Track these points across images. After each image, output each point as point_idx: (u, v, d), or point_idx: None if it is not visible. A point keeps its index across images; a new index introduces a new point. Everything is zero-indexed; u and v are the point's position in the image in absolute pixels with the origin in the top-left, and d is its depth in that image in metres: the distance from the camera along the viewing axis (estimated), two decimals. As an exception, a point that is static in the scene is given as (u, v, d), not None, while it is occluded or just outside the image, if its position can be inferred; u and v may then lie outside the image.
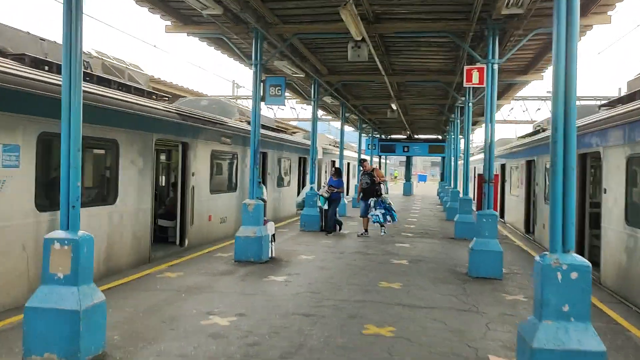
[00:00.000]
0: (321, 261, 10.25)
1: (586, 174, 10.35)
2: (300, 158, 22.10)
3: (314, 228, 15.03)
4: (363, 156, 23.20)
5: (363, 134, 36.69)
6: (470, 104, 14.49)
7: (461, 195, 16.67)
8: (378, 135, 36.39)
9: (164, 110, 10.52)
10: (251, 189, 10.16)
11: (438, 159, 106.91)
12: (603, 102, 13.32)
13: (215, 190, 13.27)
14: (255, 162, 10.17)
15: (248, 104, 39.78)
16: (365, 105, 21.83)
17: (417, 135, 38.09)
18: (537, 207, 14.85)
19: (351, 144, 47.19)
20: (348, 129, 38.73)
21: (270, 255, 10.26)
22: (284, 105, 9.95)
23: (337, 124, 31.58)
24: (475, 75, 9.47)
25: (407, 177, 40.26)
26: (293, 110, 40.74)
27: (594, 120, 9.50)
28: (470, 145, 45.11)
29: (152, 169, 10.03)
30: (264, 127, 18.23)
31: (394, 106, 18.26)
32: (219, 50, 12.66)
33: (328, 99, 17.62)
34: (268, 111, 41.08)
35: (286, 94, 17.93)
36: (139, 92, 10.32)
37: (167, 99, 11.58)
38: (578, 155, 11.07)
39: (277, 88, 10.06)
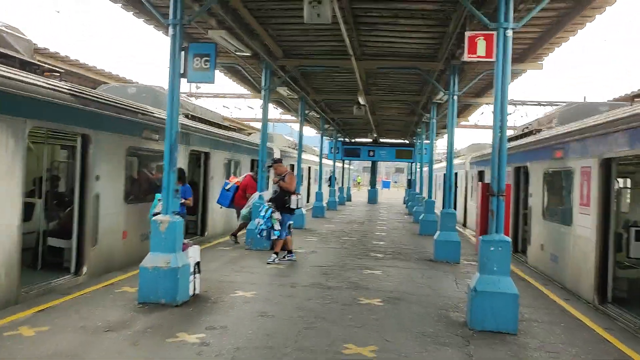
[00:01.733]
0: (263, 302, 7.37)
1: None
2: (254, 161, 19.20)
3: (262, 246, 12.17)
4: (277, 155, 20.36)
5: (325, 137, 34.06)
6: (456, 97, 11.89)
7: (440, 206, 14.10)
8: (342, 139, 33.76)
9: (49, 88, 7.51)
10: (166, 201, 7.22)
11: (402, 165, 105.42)
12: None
13: (134, 200, 10.28)
14: (171, 163, 7.24)
15: (208, 104, 36.76)
16: (328, 101, 19.11)
17: (383, 139, 35.65)
18: (531, 222, 12.36)
19: (314, 147, 44.49)
20: (310, 131, 35.88)
21: (191, 293, 7.33)
22: (212, 81, 6.95)
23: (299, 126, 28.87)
24: (481, 45, 6.77)
25: (372, 183, 37.73)
26: (251, 110, 37.83)
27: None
28: (437, 152, 42.92)
29: (21, 168, 6.99)
30: (206, 122, 15.30)
31: (361, 100, 15.57)
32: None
33: (284, 90, 14.80)
34: (222, 109, 38.06)
35: (234, 82, 15.03)
36: (9, 60, 7.30)
37: (58, 74, 8.55)
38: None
39: (204, 59, 7.16)
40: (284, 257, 10.82)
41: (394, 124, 26.61)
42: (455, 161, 28.57)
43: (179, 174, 8.41)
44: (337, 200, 27.96)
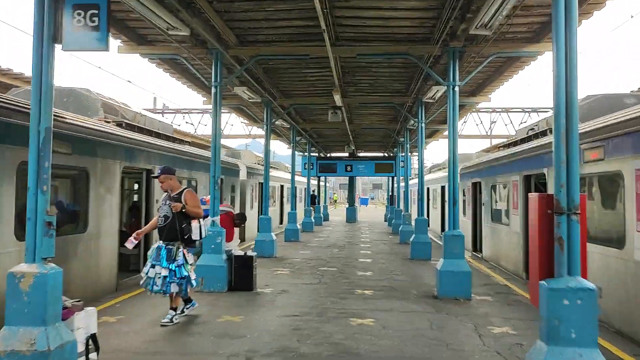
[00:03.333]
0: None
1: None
2: (221, 179, 16.47)
3: (216, 287, 9.42)
4: (242, 173, 17.76)
5: (298, 152, 31.47)
6: (457, 88, 9.39)
7: (444, 226, 11.54)
8: (316, 154, 31.20)
9: None
10: (32, 240, 4.47)
11: (380, 180, 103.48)
12: None
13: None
14: (38, 177, 4.51)
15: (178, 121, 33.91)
16: (299, 107, 16.51)
17: (361, 153, 33.20)
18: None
19: (287, 165, 41.81)
20: (282, 148, 32.79)
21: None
22: (105, 48, 4.22)
23: (273, 145, 26.11)
24: None
25: (351, 201, 35.13)
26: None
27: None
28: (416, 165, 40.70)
29: None
30: (152, 134, 12.57)
31: (337, 101, 12.99)
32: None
33: (243, 92, 12.16)
34: (186, 126, 35.17)
35: (178, 80, 12.36)
36: None
37: None
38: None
39: (90, 14, 4.47)
40: (182, 312, 7.53)
41: (373, 134, 24.15)
42: (439, 174, 26.28)
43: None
44: (313, 220, 25.27)
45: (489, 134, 33.76)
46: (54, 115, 8.00)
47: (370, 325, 7.06)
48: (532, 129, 13.32)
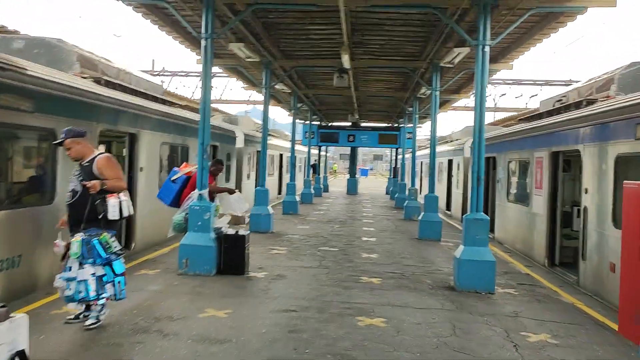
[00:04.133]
0: None
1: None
2: (214, 148, 15.22)
3: (202, 270, 8.25)
4: (239, 140, 16.54)
5: (299, 120, 30.09)
6: (487, 48, 8.04)
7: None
8: (318, 123, 29.83)
9: None
10: None
11: (380, 152, 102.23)
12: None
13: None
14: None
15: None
16: (301, 69, 15.10)
17: (364, 123, 31.80)
18: (589, 234, 8.65)
19: (287, 133, 40.37)
20: (283, 115, 30.99)
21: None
22: None
23: (274, 113, 24.70)
24: None
25: (352, 172, 33.89)
26: (219, 92, 33.55)
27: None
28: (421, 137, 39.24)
29: None
30: (137, 94, 11.25)
31: (345, 63, 11.62)
32: None
33: (239, 49, 10.79)
34: (183, 90, 33.68)
35: (160, 28, 11.02)
36: None
37: None
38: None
39: None
40: (76, 317, 5.67)
41: (379, 103, 22.74)
42: (444, 147, 24.95)
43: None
44: (312, 192, 24.08)
45: (496, 106, 32.35)
46: (12, 66, 6.74)
47: (381, 328, 5.90)
48: (559, 101, 12.00)
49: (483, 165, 8.21)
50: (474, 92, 8.21)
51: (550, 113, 11.78)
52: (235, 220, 9.13)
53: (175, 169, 9.24)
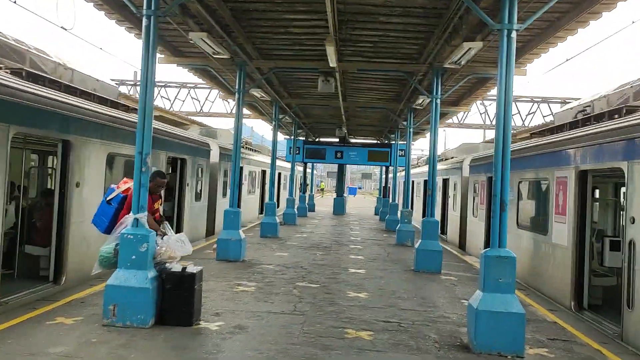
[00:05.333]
0: None
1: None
2: (176, 160, 13.28)
3: (135, 319, 6.19)
4: (213, 153, 14.51)
5: (284, 134, 28.23)
6: (514, 33, 6.19)
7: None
8: (303, 138, 27.94)
9: None
10: None
11: (369, 170, 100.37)
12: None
13: None
14: None
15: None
16: (281, 72, 13.21)
17: (353, 139, 29.97)
18: (638, 275, 6.74)
19: (269, 147, 38.43)
20: (269, 130, 28.31)
21: None
22: None
23: (263, 130, 22.91)
24: None
25: (339, 191, 31.91)
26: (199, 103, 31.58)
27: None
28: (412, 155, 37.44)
29: None
30: (75, 91, 9.31)
31: (331, 58, 9.71)
32: None
33: (201, 38, 8.86)
34: (159, 100, 31.59)
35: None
36: None
37: None
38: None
39: None
40: None
41: (369, 116, 20.90)
42: (439, 166, 23.07)
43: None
44: (296, 212, 22.08)
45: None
46: None
47: None
48: (583, 111, 10.19)
49: (508, 186, 6.28)
50: (497, 89, 6.31)
51: (573, 125, 9.95)
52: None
53: (112, 186, 7.23)
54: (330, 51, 9.23)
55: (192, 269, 6.56)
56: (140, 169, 6.49)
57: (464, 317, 7.34)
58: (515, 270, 6.05)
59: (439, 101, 11.45)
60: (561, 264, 9.10)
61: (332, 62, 9.81)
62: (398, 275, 10.66)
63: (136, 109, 12.60)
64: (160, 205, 7.28)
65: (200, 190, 15.60)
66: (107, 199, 7.00)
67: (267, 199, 23.43)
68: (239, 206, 20.24)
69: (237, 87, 11.66)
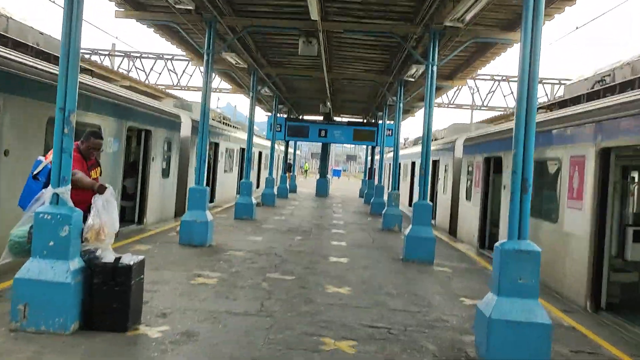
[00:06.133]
0: None
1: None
2: (143, 131, 11.83)
3: (52, 323, 4.78)
4: (185, 126, 13.20)
5: (265, 110, 26.75)
6: None
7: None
8: (285, 115, 26.46)
9: None
10: None
11: (354, 152, 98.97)
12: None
13: None
14: None
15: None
16: (257, 32, 11.70)
17: (337, 118, 28.55)
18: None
19: (256, 127, 36.78)
20: (258, 112, 26.98)
21: None
22: None
23: (247, 109, 21.45)
24: None
25: (323, 172, 30.54)
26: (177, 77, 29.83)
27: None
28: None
29: None
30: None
31: (313, 13, 8.24)
32: None
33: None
34: (135, 72, 29.70)
35: None
36: None
37: None
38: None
39: None
40: None
41: (357, 90, 19.45)
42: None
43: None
44: (275, 193, 20.70)
45: (486, 105, 29.45)
46: None
47: None
48: (601, 81, 8.89)
49: (532, 162, 4.94)
50: (521, 35, 4.93)
51: (590, 97, 8.65)
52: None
53: (40, 158, 5.75)
54: (313, 8, 7.76)
55: (128, 259, 5.15)
56: (61, 129, 5.03)
57: (465, 321, 6.09)
58: (539, 268, 4.75)
59: (435, 68, 10.06)
60: (575, 256, 7.86)
61: (314, 14, 8.32)
62: (385, 266, 9.37)
63: (91, 71, 11.06)
64: (99, 175, 5.83)
65: (169, 166, 14.13)
66: (34, 173, 5.54)
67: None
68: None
69: (205, 47, 10.16)
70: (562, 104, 10.00)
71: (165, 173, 13.79)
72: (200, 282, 7.17)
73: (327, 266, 8.89)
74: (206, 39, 10.15)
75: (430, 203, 10.49)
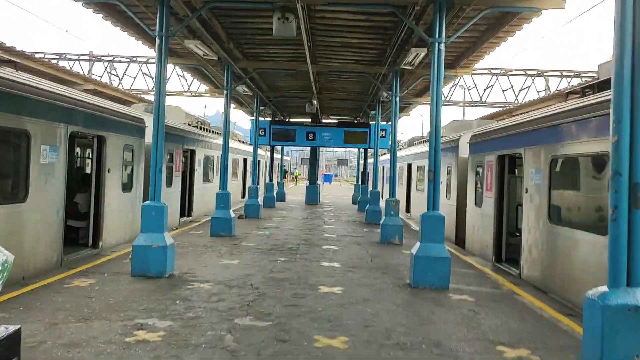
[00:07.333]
0: None
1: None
2: (95, 138, 9.83)
3: None
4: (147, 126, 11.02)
5: (247, 114, 24.79)
6: None
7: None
8: (270, 119, 24.47)
9: None
10: None
11: (346, 156, 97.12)
12: None
13: None
14: None
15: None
16: (223, 12, 9.73)
17: (326, 119, 26.61)
18: None
19: (238, 132, 34.76)
20: (244, 117, 24.83)
21: None
22: None
23: (236, 117, 19.61)
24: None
25: (312, 178, 28.50)
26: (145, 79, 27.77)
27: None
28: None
29: None
30: None
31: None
32: None
33: None
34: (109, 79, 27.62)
35: None
36: None
37: None
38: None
39: None
40: None
41: (346, 85, 17.47)
42: (424, 147, 19.94)
43: None
44: (260, 203, 18.69)
45: (484, 100, 27.64)
46: None
47: None
48: None
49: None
50: None
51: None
52: None
53: None
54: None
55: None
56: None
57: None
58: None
59: (442, 47, 8.11)
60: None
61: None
62: (390, 297, 7.37)
63: (15, 63, 9.01)
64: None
65: (131, 178, 12.08)
66: None
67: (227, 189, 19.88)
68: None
69: (157, 29, 8.16)
70: (599, 86, 8.07)
71: (127, 186, 11.75)
72: (139, 338, 5.16)
73: (316, 301, 6.89)
74: (158, 18, 8.15)
75: (443, 215, 8.49)
